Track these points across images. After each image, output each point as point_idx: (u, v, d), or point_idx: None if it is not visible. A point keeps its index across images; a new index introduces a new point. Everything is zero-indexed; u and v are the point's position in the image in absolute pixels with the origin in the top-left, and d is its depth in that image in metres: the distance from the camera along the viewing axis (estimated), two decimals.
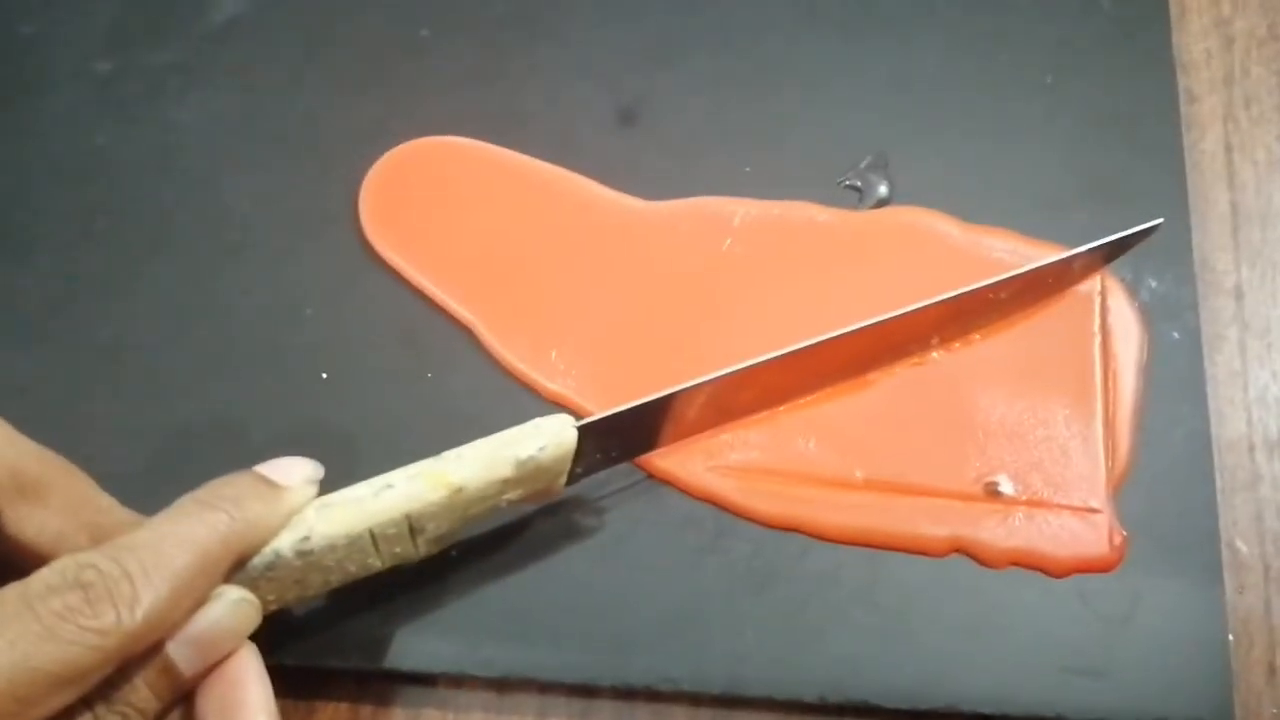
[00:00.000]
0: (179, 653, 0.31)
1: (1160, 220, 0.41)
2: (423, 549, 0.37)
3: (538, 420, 0.37)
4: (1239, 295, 0.44)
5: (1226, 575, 0.39)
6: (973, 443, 0.40)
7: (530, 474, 0.36)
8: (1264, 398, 0.42)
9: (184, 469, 0.41)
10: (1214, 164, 0.46)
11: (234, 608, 0.32)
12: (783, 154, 0.46)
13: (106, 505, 0.34)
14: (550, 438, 0.36)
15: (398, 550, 0.36)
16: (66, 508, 0.33)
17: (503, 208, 0.45)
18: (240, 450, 0.42)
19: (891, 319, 0.39)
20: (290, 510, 0.33)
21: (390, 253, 0.45)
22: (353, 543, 0.34)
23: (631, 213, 0.45)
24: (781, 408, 0.41)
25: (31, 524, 0.32)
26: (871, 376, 0.41)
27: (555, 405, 0.42)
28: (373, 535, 0.35)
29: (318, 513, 0.34)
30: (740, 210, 0.44)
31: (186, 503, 0.32)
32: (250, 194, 0.47)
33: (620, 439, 0.39)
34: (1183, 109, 0.46)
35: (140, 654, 0.29)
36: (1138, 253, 0.42)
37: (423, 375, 0.43)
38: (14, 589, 0.28)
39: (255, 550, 0.33)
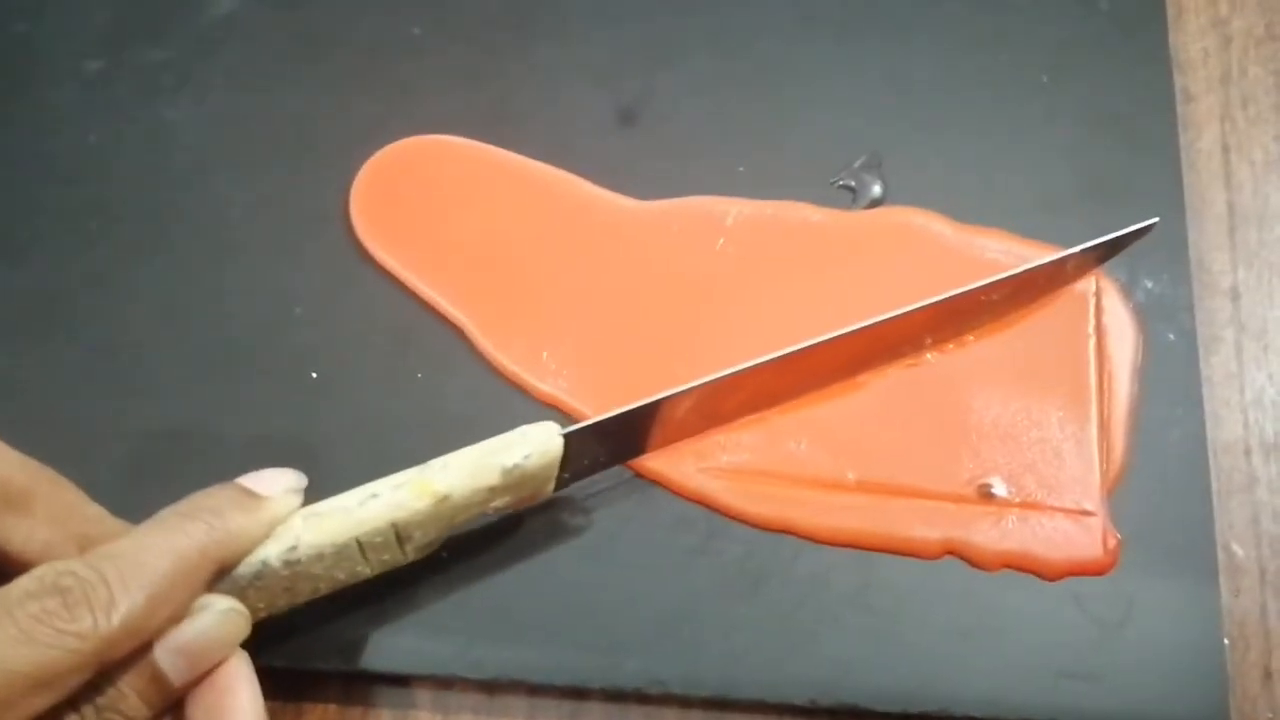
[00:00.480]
0: (168, 662, 0.31)
1: (1155, 220, 0.41)
2: (411, 555, 0.37)
3: (523, 428, 0.36)
4: (1235, 296, 0.43)
5: (1222, 578, 0.39)
6: (966, 444, 0.40)
7: (516, 482, 0.36)
8: (1260, 400, 0.42)
9: (174, 468, 0.42)
10: (1211, 164, 0.45)
11: (223, 618, 0.32)
12: (777, 153, 0.46)
13: (95, 515, 0.34)
14: (536, 446, 0.36)
15: (385, 558, 0.36)
16: (54, 518, 0.33)
17: (494, 207, 0.45)
18: (230, 449, 0.42)
19: (883, 321, 0.39)
20: (272, 520, 0.34)
21: (381, 252, 0.45)
22: (340, 551, 0.34)
23: (624, 212, 0.45)
24: (774, 409, 0.41)
25: (19, 534, 0.32)
26: (864, 378, 0.41)
27: (547, 406, 0.42)
28: (360, 544, 0.35)
29: (304, 522, 0.34)
30: (733, 210, 0.44)
31: (167, 514, 0.32)
32: (242, 193, 0.47)
33: (608, 444, 0.39)
34: (1179, 108, 0.45)
35: (119, 660, 0.30)
36: (1133, 253, 0.42)
37: (413, 376, 0.43)
38: None
39: (236, 560, 0.33)
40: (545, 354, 0.42)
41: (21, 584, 0.29)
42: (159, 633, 0.31)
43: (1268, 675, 0.39)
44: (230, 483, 0.34)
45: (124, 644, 0.29)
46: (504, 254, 0.44)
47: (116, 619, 0.29)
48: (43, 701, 0.28)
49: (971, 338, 0.41)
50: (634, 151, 0.46)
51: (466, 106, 0.47)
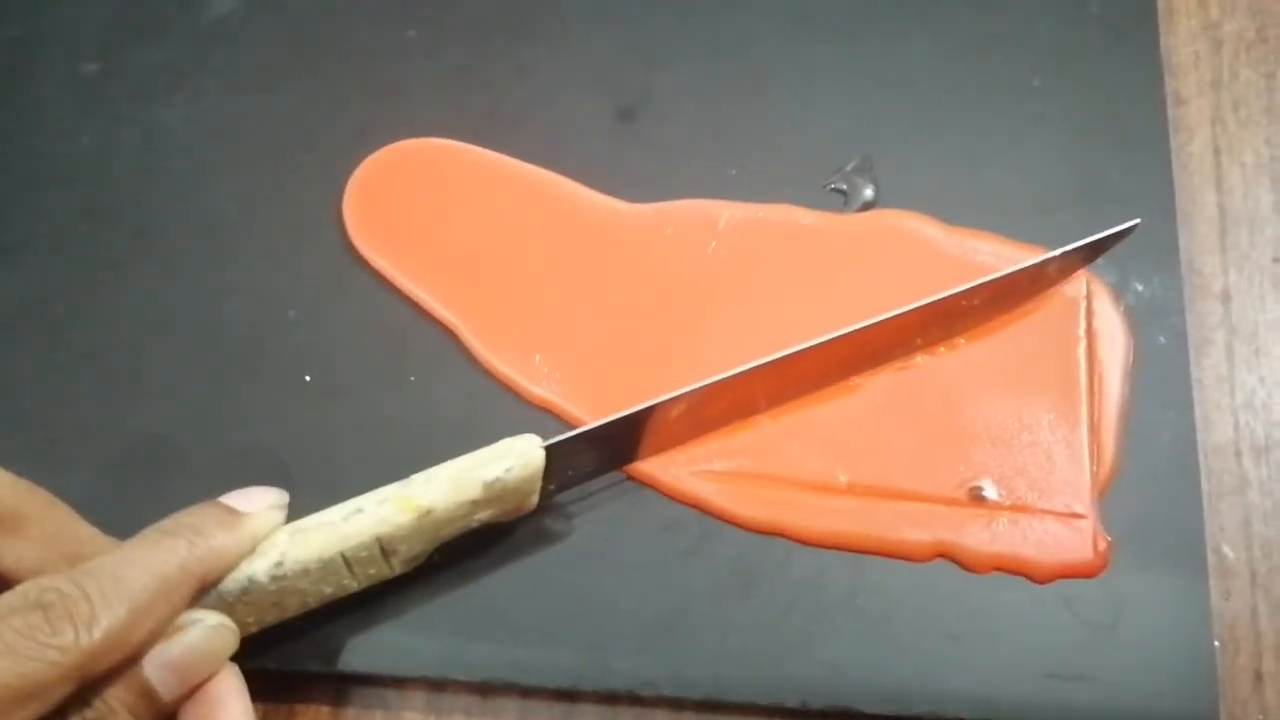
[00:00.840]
0: (158, 677, 0.32)
1: (1137, 221, 0.41)
2: (397, 569, 0.37)
3: (506, 440, 0.37)
4: (1226, 299, 0.43)
5: (1212, 581, 0.39)
6: (957, 447, 0.40)
7: (499, 495, 0.36)
8: (1251, 402, 0.42)
9: (168, 470, 0.42)
10: (1202, 167, 0.45)
11: (211, 633, 0.33)
12: (769, 157, 0.46)
13: (86, 535, 0.35)
14: (517, 459, 0.36)
15: (372, 572, 0.37)
16: (45, 538, 0.34)
17: (488, 210, 0.45)
18: (224, 453, 0.42)
19: (867, 327, 0.39)
20: (253, 536, 0.34)
21: (374, 255, 0.45)
22: (326, 566, 0.35)
23: (616, 215, 0.45)
24: (765, 413, 0.41)
25: (10, 555, 0.33)
26: (856, 381, 0.41)
27: (540, 410, 0.42)
28: (345, 558, 0.35)
29: (290, 538, 0.35)
30: (725, 213, 0.44)
31: (149, 532, 0.33)
32: (236, 195, 0.47)
33: (594, 453, 0.39)
34: (1170, 111, 0.45)
35: (103, 673, 0.30)
36: (1124, 256, 0.42)
37: (406, 379, 0.43)
38: None
39: (219, 576, 0.34)
40: (538, 357, 0.43)
41: (6, 599, 0.30)
42: (143, 647, 0.31)
43: (1258, 678, 0.39)
44: (212, 500, 0.35)
45: (105, 657, 0.30)
46: (497, 257, 0.44)
47: (98, 633, 0.29)
48: (28, 713, 0.28)
49: (963, 341, 0.41)
50: (626, 154, 0.46)
51: (461, 109, 0.47)
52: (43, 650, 0.28)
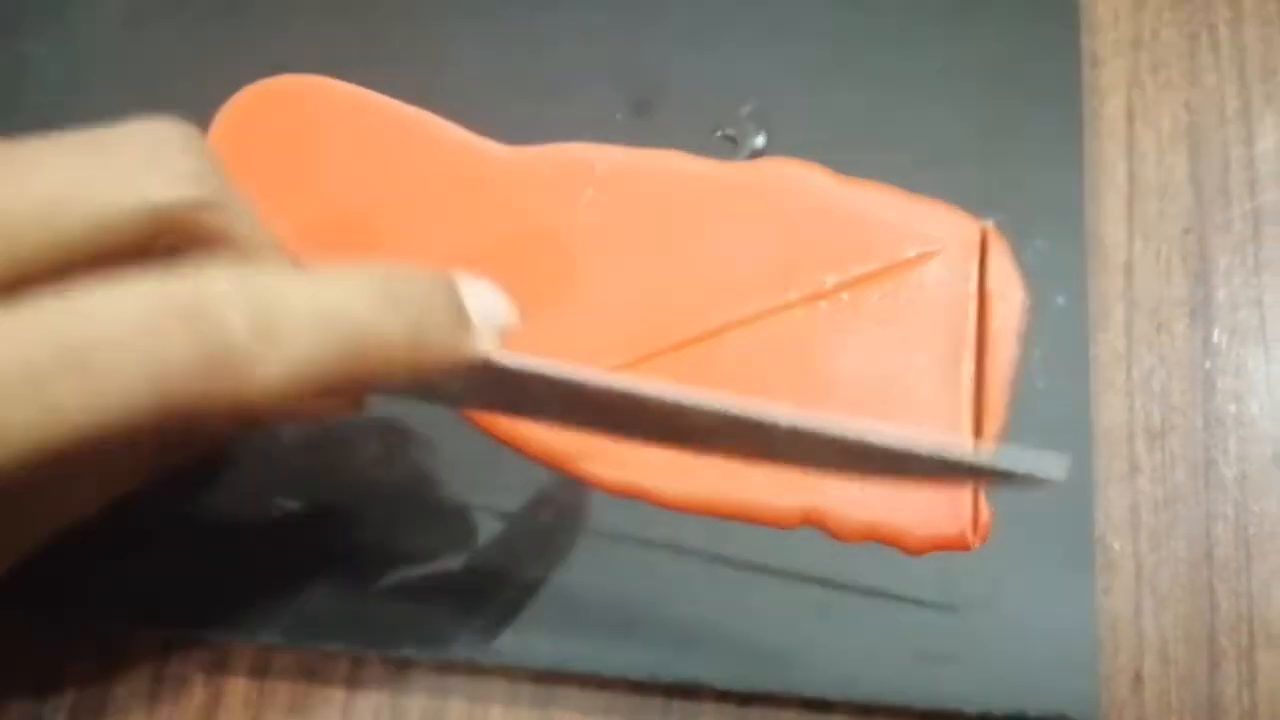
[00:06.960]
0: None
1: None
2: None
3: None
4: (1129, 271, 0.40)
5: (1096, 573, 0.36)
6: (831, 406, 0.37)
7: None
8: (1148, 383, 0.39)
9: None
10: (1115, 131, 0.43)
11: None
12: (662, 102, 0.42)
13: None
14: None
15: None
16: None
17: (353, 151, 0.42)
18: None
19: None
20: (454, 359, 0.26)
21: None
22: None
23: (487, 159, 0.42)
24: (629, 369, 0.38)
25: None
26: (727, 336, 0.38)
27: None
28: None
29: None
30: (604, 158, 0.41)
31: (369, 283, 0.25)
32: None
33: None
34: (1086, 72, 0.43)
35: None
36: (1026, 211, 0.39)
37: None
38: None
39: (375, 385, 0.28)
40: None
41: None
42: None
43: (1138, 679, 0.36)
44: (448, 279, 0.27)
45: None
46: (356, 201, 0.41)
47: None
48: None
49: (844, 296, 0.39)
50: (507, 95, 0.43)
51: (332, 44, 0.44)
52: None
